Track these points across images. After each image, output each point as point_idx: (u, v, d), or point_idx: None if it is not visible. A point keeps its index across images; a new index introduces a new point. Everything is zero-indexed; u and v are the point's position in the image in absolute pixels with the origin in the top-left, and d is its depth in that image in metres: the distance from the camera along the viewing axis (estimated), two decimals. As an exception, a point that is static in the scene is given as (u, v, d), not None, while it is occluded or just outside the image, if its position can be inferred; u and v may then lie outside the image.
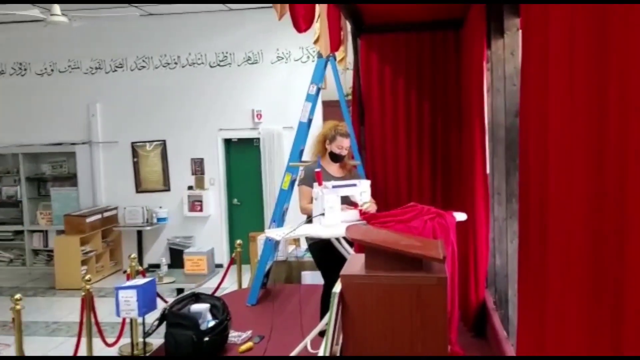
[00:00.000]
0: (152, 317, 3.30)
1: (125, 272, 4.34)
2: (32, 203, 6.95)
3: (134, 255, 4.31)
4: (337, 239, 2.83)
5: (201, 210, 6.70)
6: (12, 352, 3.32)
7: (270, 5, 3.37)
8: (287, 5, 2.68)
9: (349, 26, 3.97)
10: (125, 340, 3.88)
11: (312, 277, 4.35)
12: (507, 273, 2.81)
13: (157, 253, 6.67)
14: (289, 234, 2.72)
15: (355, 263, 2.00)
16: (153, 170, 6.85)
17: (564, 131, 1.13)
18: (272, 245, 4.10)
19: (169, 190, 6.83)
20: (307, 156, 3.96)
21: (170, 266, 5.72)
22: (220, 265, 5.58)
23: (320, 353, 1.83)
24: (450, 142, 3.85)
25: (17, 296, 3.20)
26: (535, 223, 1.35)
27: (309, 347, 2.80)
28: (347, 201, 2.97)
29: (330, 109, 5.45)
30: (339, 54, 4.06)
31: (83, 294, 3.48)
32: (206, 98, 6.64)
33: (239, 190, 6.87)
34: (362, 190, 2.92)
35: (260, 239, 4.45)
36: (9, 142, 6.88)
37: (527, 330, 1.46)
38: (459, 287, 2.94)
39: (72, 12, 4.94)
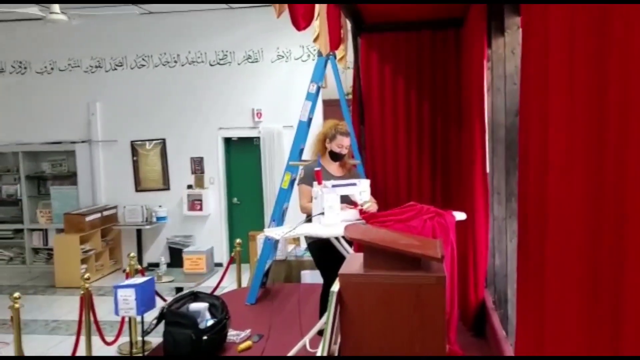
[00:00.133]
0: (151, 316, 3.29)
1: (124, 271, 4.34)
2: (32, 201, 6.95)
3: (133, 254, 4.30)
4: (337, 238, 2.82)
5: (201, 209, 6.70)
6: (11, 350, 3.31)
7: (271, 4, 3.36)
8: (285, 4, 2.68)
9: (349, 25, 3.96)
10: (125, 339, 3.88)
11: (312, 277, 4.35)
12: (506, 272, 2.81)
13: (156, 252, 6.67)
14: (288, 233, 2.71)
15: (353, 262, 2.00)
16: (153, 169, 6.84)
17: (563, 130, 1.12)
18: (272, 244, 4.09)
19: (168, 189, 6.83)
20: (307, 155, 3.95)
21: (169, 265, 5.73)
22: (220, 264, 5.58)
23: (319, 352, 1.83)
24: (450, 141, 3.85)
25: (16, 294, 3.20)
26: (534, 222, 1.35)
27: (307, 347, 2.80)
28: (347, 200, 2.96)
29: (331, 108, 5.45)
30: (338, 53, 4.05)
31: (82, 292, 3.48)
32: (206, 97, 6.63)
33: (238, 189, 6.87)
34: (361, 189, 2.92)
35: (260, 238, 4.45)
36: (9, 140, 6.87)
37: (525, 330, 1.45)
38: (459, 286, 2.93)
39: (71, 11, 4.94)
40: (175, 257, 6.17)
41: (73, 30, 6.47)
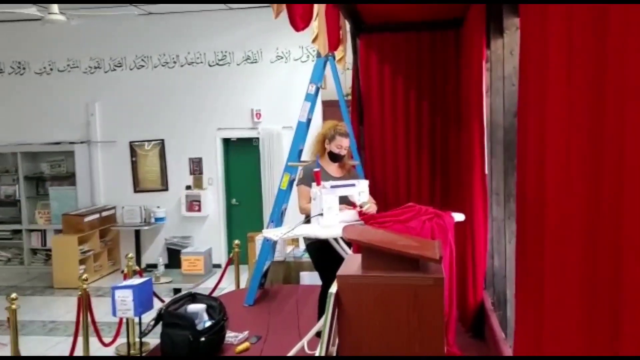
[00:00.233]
0: (149, 317, 3.28)
1: (122, 271, 4.33)
2: (30, 202, 6.94)
3: (131, 255, 4.29)
4: (335, 239, 2.81)
5: (199, 210, 6.69)
6: (9, 351, 3.30)
7: (270, 4, 3.35)
8: (283, 4, 2.67)
9: (348, 25, 3.96)
10: (122, 340, 3.87)
11: (311, 278, 4.34)
12: (505, 274, 2.80)
13: (155, 253, 6.66)
14: (287, 234, 2.70)
15: (352, 263, 1.99)
16: (151, 170, 6.83)
17: (561, 131, 1.12)
18: (270, 245, 4.08)
19: (167, 190, 6.82)
20: (306, 156, 3.95)
21: (168, 266, 5.72)
22: (218, 266, 5.57)
23: (317, 354, 1.82)
24: (449, 142, 3.84)
25: (13, 295, 3.19)
26: (532, 224, 1.34)
27: (305, 348, 2.79)
28: (346, 201, 2.96)
29: (330, 109, 5.44)
30: (338, 53, 4.05)
31: (80, 293, 3.47)
32: (205, 97, 6.62)
33: (237, 190, 6.86)
34: (360, 190, 2.91)
35: (259, 239, 4.44)
36: (8, 141, 6.86)
37: (524, 331, 1.45)
38: (457, 287, 2.92)
39: (70, 11, 4.93)
40: (174, 258, 6.16)
41: (72, 30, 6.46)
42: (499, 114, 2.84)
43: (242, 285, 4.73)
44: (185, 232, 6.76)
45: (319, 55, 3.93)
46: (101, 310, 4.24)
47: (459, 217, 2.75)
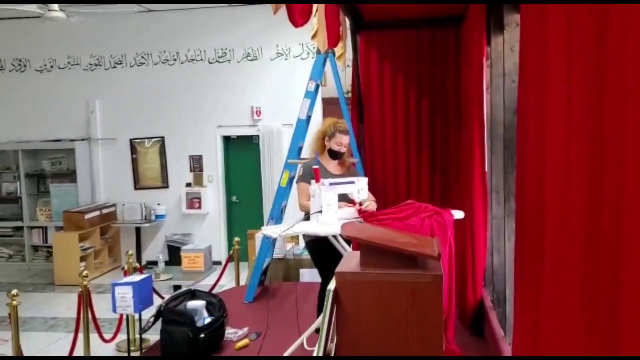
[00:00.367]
0: (149, 314, 3.29)
1: (123, 268, 4.34)
2: (31, 199, 6.95)
3: (131, 251, 4.30)
4: (335, 237, 2.81)
5: (200, 207, 6.69)
6: (9, 347, 3.31)
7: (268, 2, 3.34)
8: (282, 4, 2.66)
9: (347, 22, 3.95)
10: (123, 336, 3.88)
11: (311, 275, 4.34)
12: (504, 271, 2.80)
13: (155, 250, 6.67)
14: (286, 232, 2.70)
15: (350, 260, 1.99)
16: (151, 167, 6.84)
17: (561, 129, 1.11)
18: (270, 242, 4.09)
19: (167, 187, 6.82)
20: (306, 153, 3.94)
21: (168, 263, 5.72)
22: (218, 263, 5.57)
23: (315, 351, 1.82)
24: (449, 140, 3.83)
25: (14, 292, 3.20)
26: (531, 221, 1.34)
27: (305, 345, 2.79)
28: (346, 199, 2.95)
29: (331, 107, 5.43)
30: (337, 50, 4.04)
31: (80, 290, 3.47)
32: (205, 95, 6.62)
33: (237, 187, 6.86)
34: (359, 187, 2.91)
35: (259, 236, 4.44)
36: (9, 138, 6.87)
37: (523, 329, 1.44)
38: (457, 285, 2.92)
39: (70, 8, 4.92)
40: (174, 255, 6.17)
41: (73, 28, 6.46)
42: (499, 111, 2.84)
43: (242, 282, 4.73)
44: (186, 229, 6.77)
45: (318, 52, 3.92)
46: (102, 306, 4.24)
47: (458, 214, 2.74)
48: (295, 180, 3.50)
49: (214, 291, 4.20)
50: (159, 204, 6.76)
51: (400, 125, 3.90)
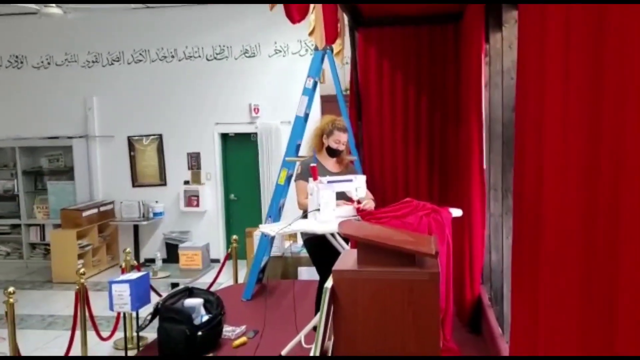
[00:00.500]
0: (147, 312, 3.28)
1: (121, 266, 4.33)
2: (29, 197, 6.93)
3: (129, 249, 4.29)
4: (332, 235, 2.80)
5: (197, 205, 6.68)
6: (6, 345, 3.30)
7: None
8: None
9: (346, 18, 3.93)
10: (120, 334, 3.87)
11: (309, 273, 4.34)
12: (502, 269, 2.80)
13: (153, 247, 6.66)
14: (283, 230, 2.69)
15: (348, 258, 1.98)
16: (149, 165, 6.82)
17: (559, 126, 1.11)
18: (268, 240, 4.08)
19: (165, 184, 6.81)
20: (304, 151, 3.93)
21: (166, 261, 5.72)
22: (216, 261, 5.57)
23: (312, 349, 1.82)
24: (447, 137, 3.83)
25: (10, 289, 3.19)
26: (529, 219, 1.34)
27: (302, 342, 2.79)
28: (344, 197, 2.94)
29: (329, 104, 5.42)
30: (335, 47, 4.02)
31: (77, 287, 3.46)
32: (203, 92, 6.60)
33: (235, 185, 6.85)
34: (357, 185, 2.90)
35: (257, 234, 4.43)
36: (6, 135, 6.84)
37: (520, 327, 1.44)
38: (455, 283, 2.92)
39: (67, 5, 4.89)
40: (172, 252, 6.16)
41: (69, 24, 6.42)
42: (498, 109, 2.83)
43: (240, 280, 4.73)
44: (184, 227, 6.76)
45: (316, 48, 3.90)
46: (100, 304, 4.24)
47: (456, 212, 2.74)
48: (293, 178, 3.49)
49: (212, 289, 4.20)
50: (156, 202, 6.74)
51: (399, 123, 3.89)
